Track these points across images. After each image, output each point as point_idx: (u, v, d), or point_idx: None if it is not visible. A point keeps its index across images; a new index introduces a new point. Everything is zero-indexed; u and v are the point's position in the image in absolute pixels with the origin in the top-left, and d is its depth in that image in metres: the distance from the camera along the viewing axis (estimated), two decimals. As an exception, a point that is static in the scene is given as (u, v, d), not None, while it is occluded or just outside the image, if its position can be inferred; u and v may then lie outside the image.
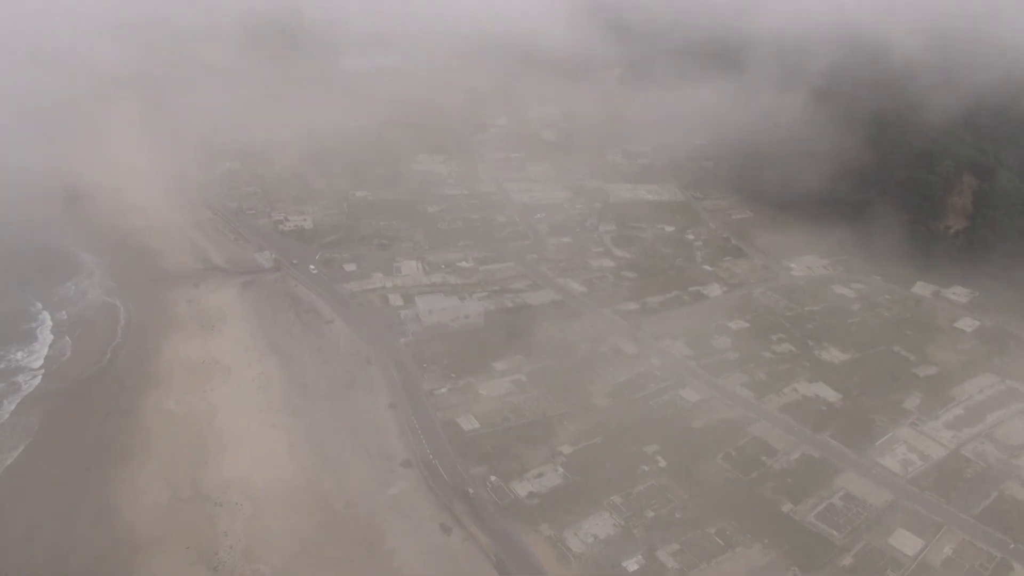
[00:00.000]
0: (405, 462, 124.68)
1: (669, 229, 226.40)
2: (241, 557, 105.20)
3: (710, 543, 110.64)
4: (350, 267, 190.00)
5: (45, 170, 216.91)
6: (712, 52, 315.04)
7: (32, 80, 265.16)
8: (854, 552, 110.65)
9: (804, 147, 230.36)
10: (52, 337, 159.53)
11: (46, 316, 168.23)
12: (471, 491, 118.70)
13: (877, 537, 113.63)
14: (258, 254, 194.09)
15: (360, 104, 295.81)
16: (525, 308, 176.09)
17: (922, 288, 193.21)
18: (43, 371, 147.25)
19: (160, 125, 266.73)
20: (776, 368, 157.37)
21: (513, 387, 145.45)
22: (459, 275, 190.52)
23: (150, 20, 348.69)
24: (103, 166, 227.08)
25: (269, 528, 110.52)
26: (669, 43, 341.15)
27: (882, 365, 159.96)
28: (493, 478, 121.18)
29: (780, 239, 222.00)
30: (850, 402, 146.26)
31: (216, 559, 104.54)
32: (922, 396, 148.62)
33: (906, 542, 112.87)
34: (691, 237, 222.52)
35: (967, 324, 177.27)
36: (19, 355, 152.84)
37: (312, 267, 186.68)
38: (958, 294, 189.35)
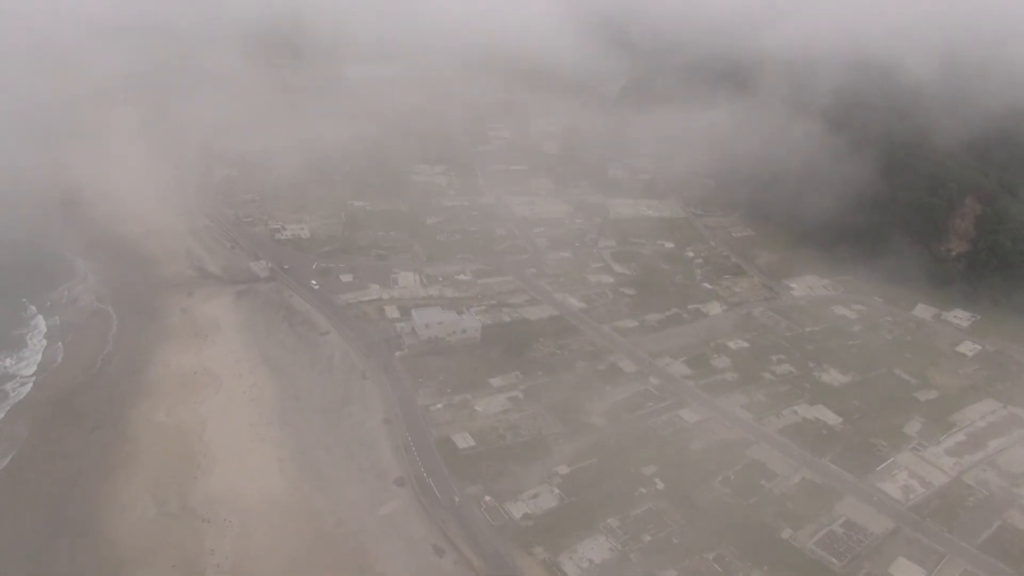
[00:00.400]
0: (398, 480, 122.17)
1: (669, 246, 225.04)
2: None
3: (708, 569, 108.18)
4: (346, 278, 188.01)
5: (41, 174, 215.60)
6: (716, 71, 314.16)
7: (30, 83, 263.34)
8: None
9: (806, 167, 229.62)
10: (42, 344, 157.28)
11: (38, 322, 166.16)
12: (457, 499, 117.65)
13: (878, 566, 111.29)
14: (254, 263, 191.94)
15: (360, 112, 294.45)
16: (523, 323, 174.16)
17: (923, 311, 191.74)
18: (33, 379, 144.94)
19: (159, 131, 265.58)
20: (776, 389, 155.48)
21: (510, 404, 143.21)
22: (457, 288, 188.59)
23: (150, 25, 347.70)
24: (100, 171, 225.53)
25: (257, 546, 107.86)
26: (674, 61, 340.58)
27: (883, 388, 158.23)
28: (488, 498, 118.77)
29: (780, 258, 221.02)
30: (851, 426, 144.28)
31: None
32: (923, 421, 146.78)
33: (907, 572, 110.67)
34: (691, 254, 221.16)
35: (968, 348, 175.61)
36: (8, 362, 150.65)
37: (314, 282, 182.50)
38: (959, 317, 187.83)
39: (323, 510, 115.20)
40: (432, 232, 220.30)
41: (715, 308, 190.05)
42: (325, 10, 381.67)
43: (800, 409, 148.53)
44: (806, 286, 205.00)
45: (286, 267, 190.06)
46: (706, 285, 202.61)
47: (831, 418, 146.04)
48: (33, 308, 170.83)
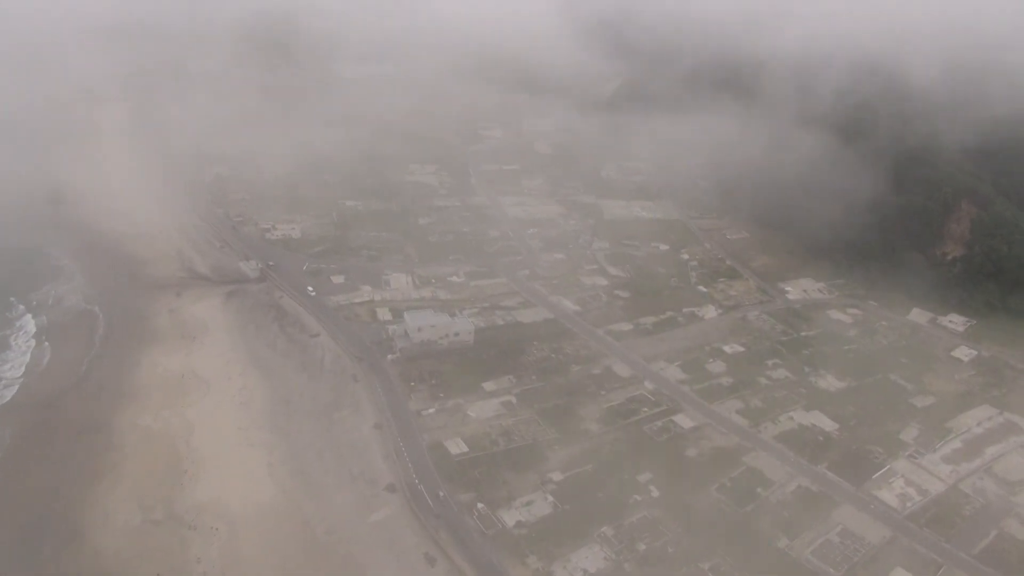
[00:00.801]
0: (390, 487, 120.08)
1: (663, 248, 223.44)
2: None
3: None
4: (338, 279, 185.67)
5: (29, 173, 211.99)
6: (711, 73, 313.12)
7: (20, 82, 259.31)
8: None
9: (802, 170, 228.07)
10: (28, 346, 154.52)
11: (24, 322, 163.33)
12: (442, 494, 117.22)
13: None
14: (244, 263, 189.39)
15: (352, 112, 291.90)
16: (516, 326, 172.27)
17: (918, 315, 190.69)
18: (18, 382, 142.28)
19: (149, 130, 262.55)
20: (772, 395, 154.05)
21: (503, 409, 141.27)
22: (449, 290, 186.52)
23: (142, 25, 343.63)
24: (88, 170, 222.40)
25: (245, 554, 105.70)
26: (670, 63, 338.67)
27: (879, 394, 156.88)
28: (480, 505, 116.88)
29: (775, 261, 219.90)
30: (847, 432, 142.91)
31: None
32: (919, 427, 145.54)
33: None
34: (686, 256, 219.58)
35: (964, 353, 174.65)
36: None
37: (310, 289, 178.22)
38: (955, 322, 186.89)
39: (313, 517, 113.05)
40: (424, 233, 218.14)
41: (710, 311, 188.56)
42: (319, 10, 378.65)
43: (796, 415, 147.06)
44: (801, 289, 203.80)
45: (271, 263, 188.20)
46: (701, 288, 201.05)
47: (827, 424, 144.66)
48: (22, 307, 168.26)
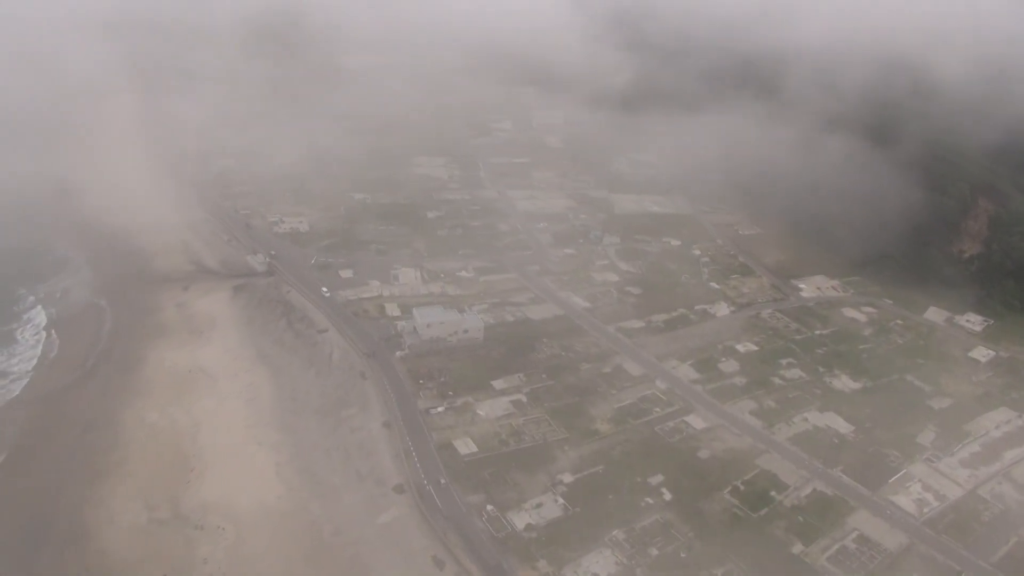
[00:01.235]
0: (398, 487, 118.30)
1: (675, 243, 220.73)
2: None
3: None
4: (346, 273, 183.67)
5: (36, 167, 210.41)
6: (726, 67, 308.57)
7: (25, 77, 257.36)
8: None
9: (816, 165, 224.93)
10: (34, 340, 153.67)
11: (31, 316, 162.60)
12: (443, 481, 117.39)
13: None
14: (251, 257, 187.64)
15: (360, 104, 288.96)
16: (526, 323, 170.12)
17: (935, 314, 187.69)
18: (24, 376, 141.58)
19: (155, 124, 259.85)
20: (786, 395, 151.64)
21: (513, 408, 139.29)
22: (458, 285, 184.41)
23: (147, 18, 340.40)
24: (96, 164, 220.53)
25: (252, 555, 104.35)
26: (684, 58, 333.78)
27: (895, 395, 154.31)
28: (490, 507, 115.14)
29: (788, 257, 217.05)
30: (862, 435, 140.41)
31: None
32: (937, 430, 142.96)
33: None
34: (697, 252, 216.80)
35: (981, 354, 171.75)
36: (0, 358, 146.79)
37: (324, 290, 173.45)
38: (972, 321, 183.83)
39: (320, 518, 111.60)
40: (433, 227, 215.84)
41: (722, 309, 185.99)
42: (326, 2, 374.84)
43: (811, 416, 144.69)
44: (815, 287, 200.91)
45: (272, 253, 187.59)
46: (713, 285, 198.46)
47: (842, 426, 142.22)
48: (32, 298, 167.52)
